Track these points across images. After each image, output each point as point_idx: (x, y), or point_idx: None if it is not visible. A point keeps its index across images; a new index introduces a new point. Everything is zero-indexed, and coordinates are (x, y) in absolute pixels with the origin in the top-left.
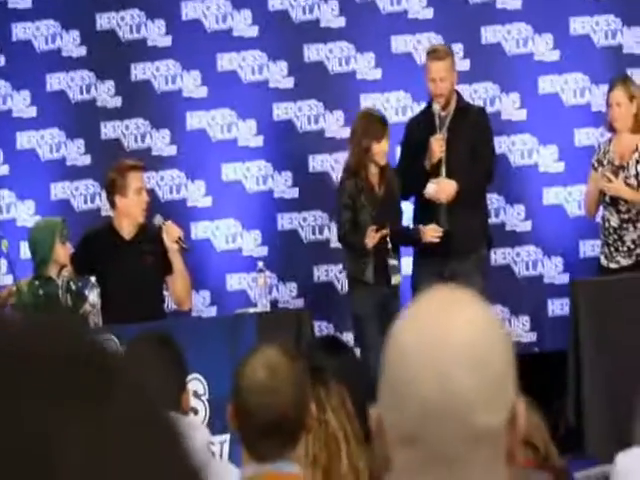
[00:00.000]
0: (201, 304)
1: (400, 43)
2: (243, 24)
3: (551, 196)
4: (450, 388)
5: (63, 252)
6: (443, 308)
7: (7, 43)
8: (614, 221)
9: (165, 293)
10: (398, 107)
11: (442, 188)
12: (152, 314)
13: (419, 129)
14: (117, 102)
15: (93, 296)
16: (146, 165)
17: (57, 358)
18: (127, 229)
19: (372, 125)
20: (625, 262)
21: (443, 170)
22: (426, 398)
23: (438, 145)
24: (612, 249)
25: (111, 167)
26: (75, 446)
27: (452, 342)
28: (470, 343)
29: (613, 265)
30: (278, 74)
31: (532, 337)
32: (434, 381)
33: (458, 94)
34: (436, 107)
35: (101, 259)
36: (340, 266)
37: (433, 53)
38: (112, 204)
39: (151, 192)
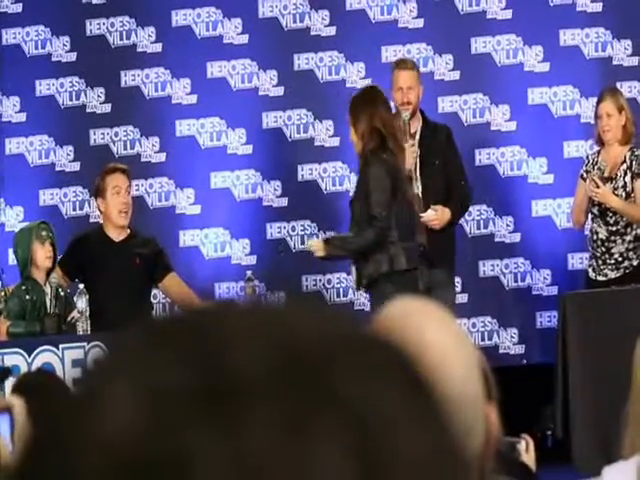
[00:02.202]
0: None
1: (390, 53)
2: (233, 32)
3: (540, 208)
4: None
5: (42, 253)
6: (415, 338)
7: None
8: (602, 233)
9: (153, 300)
10: None
11: (440, 217)
12: (141, 319)
13: None
14: (107, 108)
15: (82, 303)
16: (133, 171)
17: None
18: (115, 233)
19: None
20: (613, 275)
21: (417, 175)
22: None
23: (411, 151)
24: (600, 262)
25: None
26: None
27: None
28: (454, 380)
29: (601, 278)
30: (268, 82)
31: (520, 349)
32: None
33: (423, 114)
34: (406, 115)
35: (90, 261)
36: (328, 276)
37: (401, 64)
38: (99, 209)
39: (140, 199)
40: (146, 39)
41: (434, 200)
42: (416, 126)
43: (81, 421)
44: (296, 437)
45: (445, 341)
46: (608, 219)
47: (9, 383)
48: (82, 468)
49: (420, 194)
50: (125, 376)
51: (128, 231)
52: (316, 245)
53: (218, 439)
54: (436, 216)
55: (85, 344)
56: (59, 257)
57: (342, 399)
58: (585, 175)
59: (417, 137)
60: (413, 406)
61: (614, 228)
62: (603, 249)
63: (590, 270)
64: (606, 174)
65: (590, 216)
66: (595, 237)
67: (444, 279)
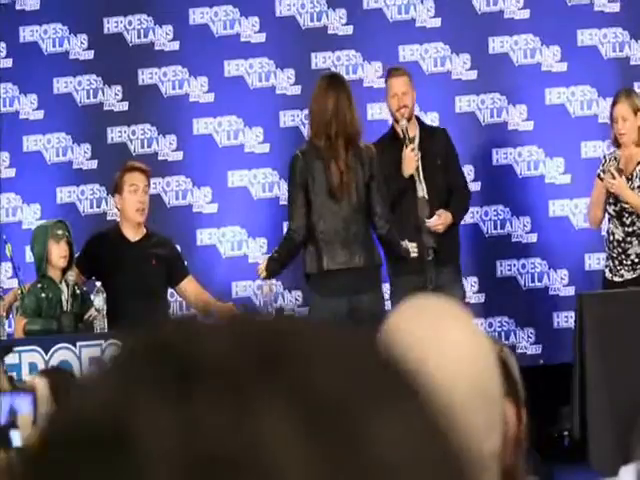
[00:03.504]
0: None
1: (407, 52)
2: (250, 30)
3: (557, 208)
4: (463, 430)
5: (56, 252)
6: (431, 334)
7: (14, 45)
8: (618, 234)
9: (170, 299)
10: None
11: (444, 220)
12: (157, 318)
13: (389, 151)
14: (124, 107)
15: (99, 301)
16: (152, 170)
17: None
18: (131, 232)
19: None
20: (629, 275)
21: (421, 178)
22: None
23: (412, 155)
24: (616, 262)
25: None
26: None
27: (451, 378)
28: (470, 376)
29: (617, 278)
30: (285, 81)
31: (537, 349)
32: None
33: (419, 119)
34: (403, 122)
35: (106, 260)
36: None
37: (393, 71)
38: (116, 206)
39: (157, 198)
40: (163, 37)
41: (438, 200)
42: (413, 131)
43: (66, 399)
44: (243, 410)
45: (460, 337)
46: (624, 220)
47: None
48: (54, 439)
49: (426, 196)
50: (108, 374)
51: (144, 231)
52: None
53: (166, 412)
54: (440, 221)
55: (102, 342)
56: (76, 255)
57: (297, 380)
58: (602, 175)
59: (416, 141)
60: (387, 397)
61: (630, 229)
62: (619, 250)
63: (607, 271)
64: (623, 175)
65: (607, 216)
66: (611, 238)
67: (451, 278)
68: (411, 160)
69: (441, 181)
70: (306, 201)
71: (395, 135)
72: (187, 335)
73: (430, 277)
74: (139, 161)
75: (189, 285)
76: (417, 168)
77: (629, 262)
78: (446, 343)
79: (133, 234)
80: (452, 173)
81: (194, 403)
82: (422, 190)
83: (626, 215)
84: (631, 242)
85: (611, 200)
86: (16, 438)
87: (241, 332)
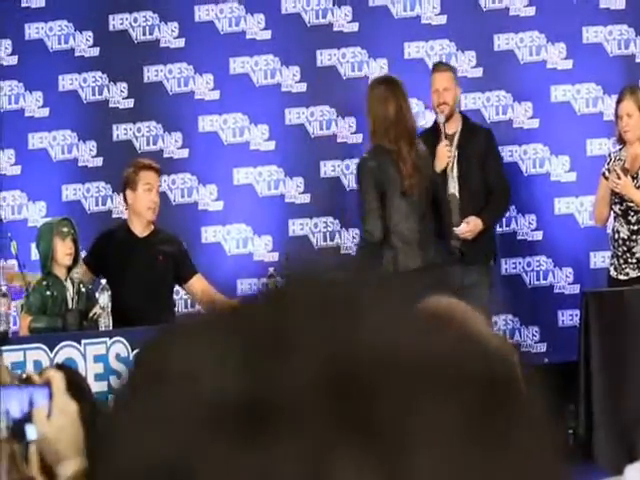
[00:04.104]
0: None
1: (413, 49)
2: (256, 28)
3: (562, 206)
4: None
5: (62, 249)
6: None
7: (20, 43)
8: (624, 232)
9: (175, 297)
10: None
11: (472, 228)
12: (162, 315)
13: (428, 144)
14: (129, 104)
15: (103, 299)
16: (160, 168)
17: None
18: (139, 228)
19: None
20: (634, 274)
21: (454, 175)
22: None
23: (445, 150)
24: (621, 261)
25: (129, 164)
26: None
27: None
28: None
29: (622, 277)
30: (291, 78)
31: (542, 347)
32: None
33: (464, 116)
34: (441, 117)
35: (114, 256)
36: None
37: (436, 66)
38: (125, 200)
39: (162, 195)
40: (169, 34)
41: (472, 200)
42: (455, 127)
43: (120, 436)
44: (320, 460)
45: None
46: (630, 218)
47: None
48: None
49: (457, 194)
50: (190, 374)
51: (152, 227)
52: None
53: (238, 459)
54: (468, 228)
55: (107, 340)
56: (83, 252)
57: (375, 425)
58: (607, 174)
59: (456, 138)
60: (466, 433)
61: (636, 227)
62: (624, 248)
63: (612, 269)
64: (629, 174)
65: (612, 215)
66: (617, 236)
67: (478, 278)
68: (443, 155)
69: (477, 181)
70: (380, 204)
71: (437, 129)
72: (255, 366)
73: (457, 277)
74: (150, 158)
75: (198, 283)
76: (450, 165)
77: (634, 260)
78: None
79: (141, 230)
80: (491, 175)
81: (267, 450)
82: (454, 187)
83: (632, 214)
84: (636, 240)
85: (616, 199)
86: (31, 432)
87: (311, 353)
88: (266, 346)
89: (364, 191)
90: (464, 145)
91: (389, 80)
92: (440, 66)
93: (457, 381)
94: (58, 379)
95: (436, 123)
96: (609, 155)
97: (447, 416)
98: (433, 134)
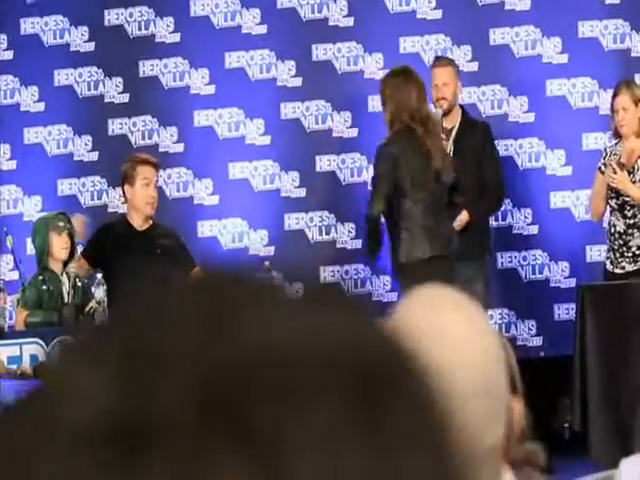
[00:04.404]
0: None
1: (408, 44)
2: (251, 22)
3: (558, 200)
4: (462, 419)
5: (58, 244)
6: (434, 323)
7: (15, 37)
8: (620, 226)
9: None
10: None
11: (458, 220)
12: None
13: None
14: (125, 98)
15: (99, 293)
16: (158, 163)
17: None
18: (138, 222)
19: None
20: (630, 267)
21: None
22: None
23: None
24: (618, 254)
25: (126, 159)
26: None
27: (453, 368)
28: (472, 367)
29: (618, 270)
30: (286, 73)
31: (538, 341)
32: None
33: (464, 110)
34: (438, 112)
35: (112, 249)
36: (346, 267)
37: (436, 61)
38: (124, 195)
39: (158, 190)
40: (164, 29)
41: (466, 195)
42: (453, 121)
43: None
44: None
45: (462, 327)
46: (626, 212)
47: None
48: None
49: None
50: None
51: (151, 221)
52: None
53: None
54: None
55: None
56: (79, 247)
57: (251, 433)
58: (603, 168)
59: (453, 133)
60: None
61: (632, 221)
62: (621, 242)
63: (608, 263)
64: (624, 169)
65: (608, 209)
66: (613, 230)
67: (473, 273)
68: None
69: (472, 176)
70: (393, 190)
71: None
72: (127, 385)
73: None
74: (146, 153)
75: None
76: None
77: (630, 254)
78: (448, 331)
79: (140, 224)
80: (485, 170)
81: (138, 475)
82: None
83: (628, 208)
84: (632, 234)
85: (612, 193)
86: None
87: (183, 365)
88: (139, 363)
89: (378, 175)
90: (460, 140)
91: (409, 70)
92: (440, 61)
93: (330, 377)
94: None
95: None
96: (605, 150)
97: (323, 414)
98: None
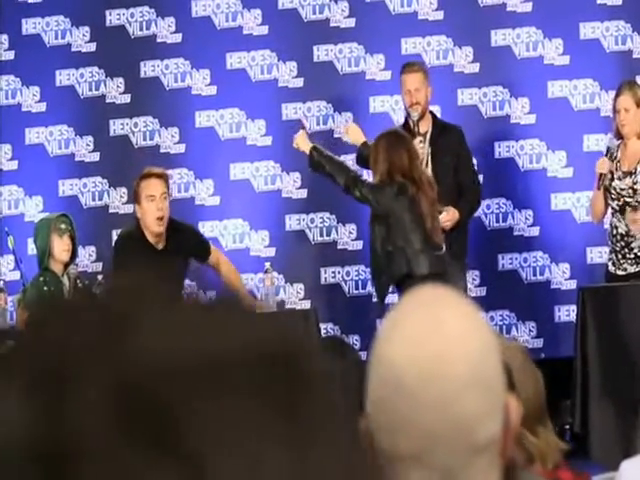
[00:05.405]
0: None
1: (410, 45)
2: (253, 23)
3: (559, 201)
4: (454, 410)
5: (59, 246)
6: (432, 317)
7: (17, 38)
8: (621, 228)
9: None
10: None
11: (451, 217)
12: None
13: None
14: (126, 99)
15: None
16: (153, 162)
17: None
18: (152, 239)
19: None
20: (632, 269)
21: (429, 170)
22: (429, 423)
23: (419, 147)
24: (619, 256)
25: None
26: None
27: (450, 359)
28: (469, 359)
29: (620, 272)
30: (287, 74)
31: (538, 343)
32: (437, 406)
33: (434, 115)
34: (414, 114)
35: (132, 262)
36: (347, 268)
37: (407, 67)
38: (137, 214)
39: None
40: (166, 30)
41: (445, 198)
42: (426, 126)
43: None
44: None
45: (459, 322)
46: (628, 214)
47: None
48: None
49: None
50: None
51: (164, 235)
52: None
53: None
54: (448, 217)
55: None
56: (80, 248)
57: (173, 440)
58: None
59: (427, 137)
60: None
61: None
62: (622, 244)
63: (610, 264)
64: (625, 168)
65: (610, 211)
66: (614, 232)
67: (456, 271)
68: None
69: (450, 180)
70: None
71: (408, 128)
72: (39, 411)
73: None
74: (156, 166)
75: (214, 257)
76: (425, 161)
77: (632, 256)
78: (445, 327)
79: (155, 241)
80: (462, 173)
81: None
82: None
83: (629, 209)
84: (634, 236)
85: (613, 195)
86: None
87: (94, 381)
88: (50, 381)
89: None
90: (436, 144)
91: (398, 132)
92: (411, 66)
93: (239, 375)
94: None
95: (406, 122)
96: (606, 152)
97: (238, 411)
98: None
